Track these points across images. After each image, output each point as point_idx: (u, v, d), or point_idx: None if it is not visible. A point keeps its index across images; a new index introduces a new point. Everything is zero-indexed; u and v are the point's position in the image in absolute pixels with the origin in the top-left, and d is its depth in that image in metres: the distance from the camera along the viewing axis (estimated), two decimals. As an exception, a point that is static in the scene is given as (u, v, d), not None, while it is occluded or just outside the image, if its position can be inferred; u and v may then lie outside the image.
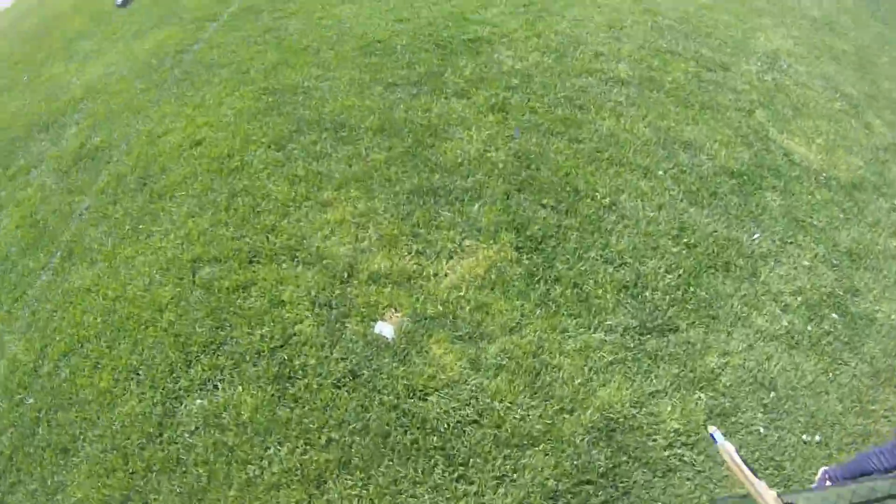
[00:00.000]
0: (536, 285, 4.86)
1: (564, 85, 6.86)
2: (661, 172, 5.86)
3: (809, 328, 5.05)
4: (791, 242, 5.66)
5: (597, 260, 5.08)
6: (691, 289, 5.03)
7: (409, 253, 5.05)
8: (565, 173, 5.72)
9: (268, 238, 5.24)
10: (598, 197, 5.54)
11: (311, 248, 5.11)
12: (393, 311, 4.70)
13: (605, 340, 4.60)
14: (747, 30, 9.01)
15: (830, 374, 4.80)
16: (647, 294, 4.93)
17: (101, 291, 5.17)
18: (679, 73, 7.38)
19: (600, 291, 4.87)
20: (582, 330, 4.64)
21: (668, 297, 4.95)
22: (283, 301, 4.77)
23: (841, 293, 5.40)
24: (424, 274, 4.91)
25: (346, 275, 4.92)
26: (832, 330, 5.08)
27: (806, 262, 5.52)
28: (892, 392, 4.83)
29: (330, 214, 5.36)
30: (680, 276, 5.10)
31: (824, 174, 6.49)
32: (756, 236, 5.58)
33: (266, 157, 6.00)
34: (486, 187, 5.55)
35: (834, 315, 5.21)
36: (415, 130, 6.15)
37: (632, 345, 4.61)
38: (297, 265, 5.02)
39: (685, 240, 5.34)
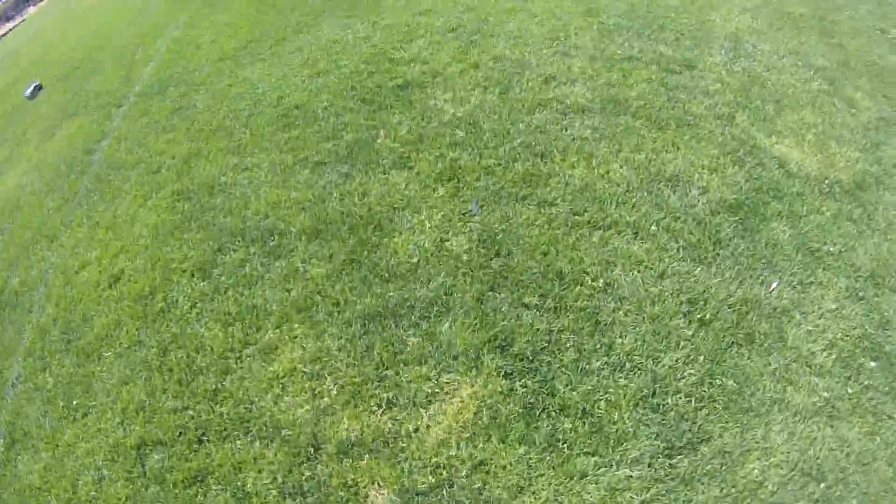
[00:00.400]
0: (539, 422, 3.77)
1: (518, 127, 5.65)
2: (653, 227, 4.73)
3: (849, 389, 4.08)
4: (811, 282, 4.62)
5: (603, 370, 3.98)
6: (717, 380, 3.98)
7: (380, 405, 3.92)
8: (543, 253, 4.57)
9: (213, 407, 4.13)
10: (589, 279, 4.41)
11: (263, 415, 4.01)
12: (377, 488, 3.61)
13: (632, 476, 3.55)
14: (700, 11, 7.78)
15: (877, 438, 3.88)
16: (668, 401, 3.87)
17: (53, 492, 4.10)
18: (642, 83, 6.18)
19: (615, 413, 3.79)
20: (603, 469, 3.58)
21: (692, 398, 3.89)
22: (247, 493, 3.69)
23: (872, 331, 4.42)
24: (403, 432, 3.81)
25: (311, 448, 3.82)
26: (871, 383, 4.13)
27: (832, 305, 4.51)
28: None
29: (277, 365, 4.22)
30: (701, 365, 4.04)
31: (826, 180, 5.42)
32: (774, 287, 4.49)
33: (191, 290, 4.84)
34: (454, 292, 4.40)
35: (871, 363, 4.25)
36: (355, 226, 4.97)
37: (662, 474, 3.57)
38: (252, 441, 3.93)
39: (698, 315, 4.26)
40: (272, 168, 5.71)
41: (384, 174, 5.38)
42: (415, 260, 4.62)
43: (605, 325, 4.18)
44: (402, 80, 6.54)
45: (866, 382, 4.12)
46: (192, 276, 4.90)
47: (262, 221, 5.18)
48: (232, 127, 6.45)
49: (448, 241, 4.75)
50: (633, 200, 4.91)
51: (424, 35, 7.43)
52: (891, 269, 4.88)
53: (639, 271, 4.45)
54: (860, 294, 4.62)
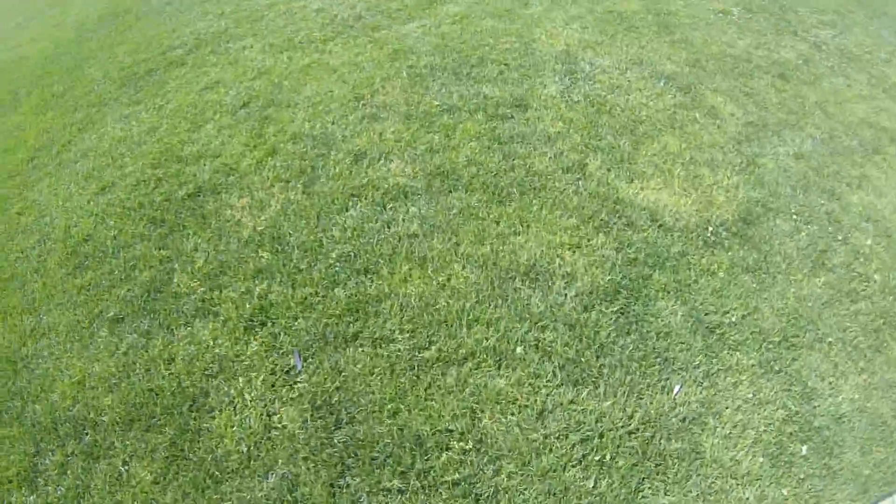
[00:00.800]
0: None
1: (332, 234, 5.06)
2: (518, 349, 4.25)
3: (784, 491, 3.86)
4: (719, 370, 4.37)
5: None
6: (634, 537, 3.55)
7: None
8: (391, 413, 4.01)
9: None
10: (455, 441, 3.90)
11: None
12: None
13: None
14: (521, 32, 7.54)
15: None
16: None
17: None
18: (470, 141, 5.78)
19: None
20: None
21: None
22: None
23: (796, 408, 4.24)
24: None
25: None
26: (806, 471, 3.96)
27: (748, 393, 4.28)
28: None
29: None
30: (613, 523, 3.60)
31: (709, 226, 5.21)
32: (677, 391, 4.16)
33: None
34: (298, 486, 3.80)
35: (802, 448, 4.07)
36: (169, 409, 4.27)
37: None
38: None
39: (597, 456, 3.85)
40: (70, 331, 4.93)
41: (187, 326, 4.67)
42: (244, 448, 3.93)
43: (488, 497, 3.67)
44: (193, 185, 5.85)
45: (801, 474, 3.93)
46: (20, 487, 4.10)
47: (72, 409, 4.39)
48: (24, 274, 5.63)
49: (276, 414, 4.09)
50: (487, 314, 4.42)
51: (213, 117, 6.76)
52: (802, 320, 4.74)
53: (513, 414, 3.96)
54: (776, 367, 4.43)
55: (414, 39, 7.52)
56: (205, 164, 6.04)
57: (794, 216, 5.52)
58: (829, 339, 4.66)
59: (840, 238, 5.43)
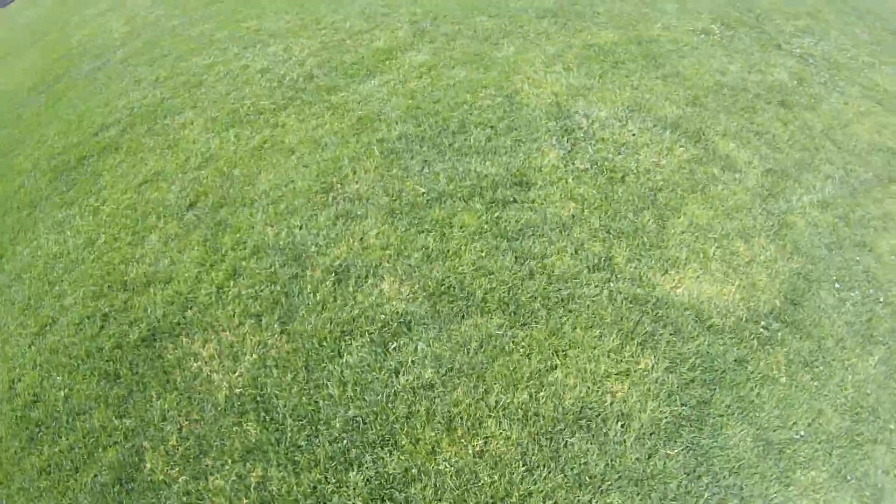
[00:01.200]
0: None
1: (328, 395, 4.28)
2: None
3: None
4: (794, 495, 3.82)
5: None
6: None
7: None
8: None
9: None
10: None
11: None
12: None
13: None
14: (500, 80, 6.77)
15: None
16: None
17: None
18: (473, 241, 5.02)
19: None
20: None
21: None
22: None
23: None
24: None
25: None
26: None
27: None
28: None
29: None
30: None
31: (759, 318, 4.59)
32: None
33: None
34: None
35: None
36: None
37: None
38: None
39: None
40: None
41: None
42: None
43: None
44: (146, 325, 4.94)
45: None
46: None
47: None
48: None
49: None
50: (541, 485, 3.71)
51: (157, 224, 5.84)
52: (863, 412, 4.27)
53: None
54: (847, 475, 3.95)
55: (379, 102, 6.63)
56: (155, 295, 5.10)
57: (836, 283, 4.98)
58: (891, 427, 4.21)
59: (882, 300, 4.96)
